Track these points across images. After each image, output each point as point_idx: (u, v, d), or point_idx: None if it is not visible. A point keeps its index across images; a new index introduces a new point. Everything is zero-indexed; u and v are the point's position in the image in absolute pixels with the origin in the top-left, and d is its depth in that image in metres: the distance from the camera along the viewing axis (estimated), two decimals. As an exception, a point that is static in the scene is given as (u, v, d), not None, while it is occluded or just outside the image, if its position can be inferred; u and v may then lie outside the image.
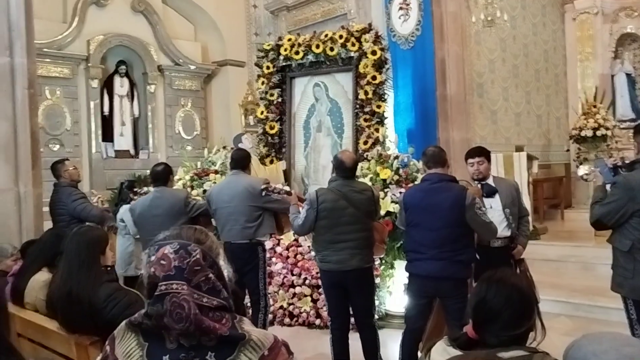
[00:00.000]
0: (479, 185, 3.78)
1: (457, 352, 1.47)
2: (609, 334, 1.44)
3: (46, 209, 4.90)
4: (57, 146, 8.30)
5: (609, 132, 8.77)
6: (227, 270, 1.44)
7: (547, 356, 1.47)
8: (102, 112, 8.94)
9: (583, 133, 8.82)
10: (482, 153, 3.89)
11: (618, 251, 3.03)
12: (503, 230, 3.60)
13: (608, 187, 3.18)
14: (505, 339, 1.50)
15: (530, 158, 7.53)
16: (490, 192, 3.69)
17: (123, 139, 9.27)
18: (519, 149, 7.92)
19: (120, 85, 9.22)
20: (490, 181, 3.85)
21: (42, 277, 2.82)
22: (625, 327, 3.13)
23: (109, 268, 3.90)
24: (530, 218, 6.85)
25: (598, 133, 8.74)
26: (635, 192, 2.87)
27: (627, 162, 3.25)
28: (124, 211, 5.30)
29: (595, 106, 9.00)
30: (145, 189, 6.34)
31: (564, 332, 4.62)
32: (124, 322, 1.43)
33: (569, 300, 5.34)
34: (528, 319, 1.56)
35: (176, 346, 1.33)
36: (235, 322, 1.36)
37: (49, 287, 2.58)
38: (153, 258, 1.37)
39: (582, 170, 5.13)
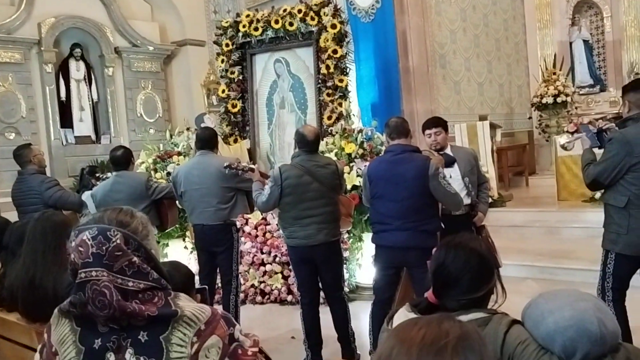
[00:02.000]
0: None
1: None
2: (564, 291, 1.46)
3: (3, 200, 4.71)
4: (13, 134, 8.02)
5: (569, 99, 8.94)
6: (155, 252, 1.40)
7: (505, 316, 1.49)
8: (58, 97, 8.65)
9: (544, 100, 8.97)
10: (439, 123, 3.90)
11: (612, 208, 3.05)
12: (463, 198, 3.64)
13: (595, 150, 3.23)
14: (465, 303, 1.51)
15: (493, 127, 7.63)
16: (449, 162, 3.72)
17: (83, 125, 9.01)
18: (483, 118, 8.02)
19: (77, 69, 8.93)
20: (448, 151, 3.87)
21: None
22: (590, 287, 3.20)
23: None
24: (494, 185, 7.02)
25: (558, 100, 8.90)
26: (632, 146, 2.91)
27: (614, 122, 3.29)
28: (86, 197, 5.15)
29: (555, 73, 9.14)
30: (108, 174, 6.21)
31: (530, 294, 4.66)
32: (56, 309, 1.39)
33: (534, 263, 5.47)
34: (487, 283, 1.57)
35: (107, 329, 1.30)
36: (170, 298, 1.33)
37: (6, 277, 2.50)
38: (73, 244, 1.33)
39: (563, 139, 5.22)
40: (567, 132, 6.92)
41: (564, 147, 5.50)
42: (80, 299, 1.28)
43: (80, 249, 1.30)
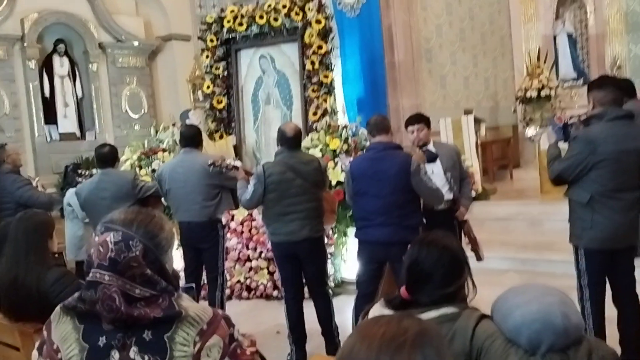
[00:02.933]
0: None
1: (392, 313, 1.52)
2: (532, 285, 1.51)
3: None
4: (-3, 131, 7.96)
5: (552, 92, 9.02)
6: (170, 265, 1.43)
7: (475, 311, 1.54)
8: (42, 93, 8.57)
9: (528, 94, 9.04)
10: (421, 119, 3.95)
11: (576, 204, 3.11)
12: (446, 193, 3.69)
13: (560, 144, 3.28)
14: (437, 298, 1.55)
15: (477, 121, 7.69)
16: (431, 158, 3.77)
17: (67, 121, 8.94)
18: (468, 112, 8.07)
19: (60, 65, 8.85)
20: (430, 147, 3.92)
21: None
22: (570, 278, 3.28)
23: (56, 255, 3.81)
24: (478, 178, 7.08)
25: (542, 93, 8.97)
26: (595, 146, 2.95)
27: (578, 119, 3.34)
28: (70, 195, 5.15)
29: (539, 67, 9.21)
30: (93, 171, 6.19)
31: (511, 286, 4.81)
32: (58, 306, 1.42)
33: (517, 255, 5.55)
34: (458, 278, 1.62)
35: (112, 327, 1.33)
36: (173, 299, 1.36)
37: None
38: (96, 239, 1.36)
39: (530, 132, 5.29)
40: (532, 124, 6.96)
41: (531, 140, 5.58)
42: (91, 296, 1.31)
43: (101, 249, 1.33)
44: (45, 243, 2.47)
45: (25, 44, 8.23)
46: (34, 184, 4.91)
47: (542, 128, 5.78)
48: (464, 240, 3.93)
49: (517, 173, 9.21)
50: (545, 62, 9.31)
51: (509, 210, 6.88)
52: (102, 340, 1.33)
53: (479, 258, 3.85)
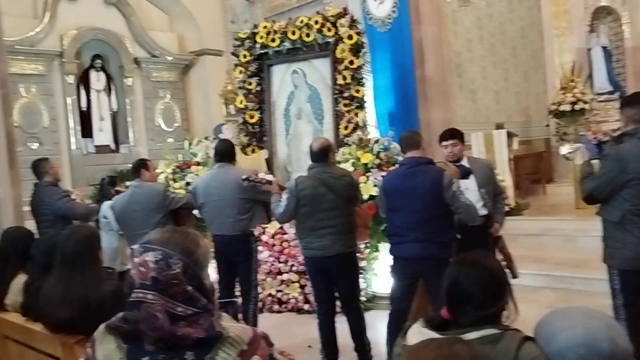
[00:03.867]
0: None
1: (432, 333, 1.51)
2: (576, 308, 1.48)
3: (26, 208, 4.86)
4: (36, 144, 8.20)
5: (587, 106, 8.85)
6: (210, 279, 1.45)
7: (518, 333, 1.52)
8: (79, 107, 8.84)
9: (562, 108, 8.90)
10: (455, 135, 3.93)
11: (608, 223, 3.06)
12: (480, 209, 3.65)
13: (593, 162, 3.23)
14: (478, 319, 1.54)
15: (510, 135, 7.60)
16: (465, 173, 3.73)
17: (103, 134, 9.18)
18: (499, 126, 7.99)
19: (97, 80, 9.11)
20: (464, 162, 3.89)
21: (20, 280, 2.81)
22: (607, 297, 3.21)
23: (109, 269, 3.90)
24: (510, 193, 6.99)
25: (576, 107, 8.81)
26: (626, 163, 2.90)
27: (612, 136, 3.28)
28: (106, 208, 5.26)
29: (572, 80, 9.07)
30: (127, 183, 6.31)
31: (546, 304, 4.70)
32: (102, 326, 1.44)
33: (551, 273, 5.43)
34: (500, 299, 1.60)
35: (155, 348, 1.35)
36: (213, 319, 1.38)
37: (38, 290, 2.55)
38: (136, 260, 1.38)
39: (565, 149, 5.22)
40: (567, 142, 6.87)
41: (565, 158, 5.50)
42: (135, 316, 1.34)
43: (142, 269, 1.35)
44: (97, 256, 2.52)
45: (64, 60, 8.49)
46: (72, 196, 5.02)
47: (575, 144, 5.68)
48: (498, 257, 3.87)
49: (550, 188, 9.04)
50: (579, 75, 9.17)
51: (543, 226, 6.76)
52: None
53: (513, 275, 3.79)
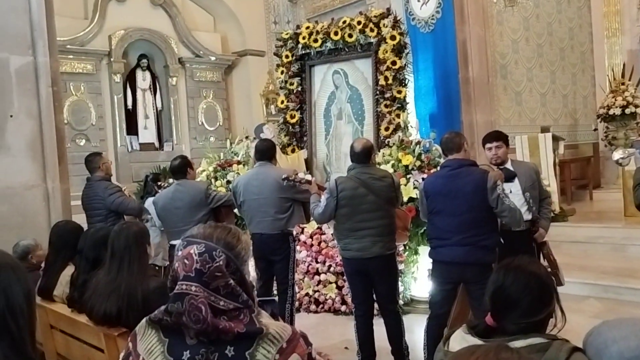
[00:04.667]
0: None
1: (476, 340, 1.47)
2: (629, 319, 1.41)
3: (74, 203, 4.99)
4: (84, 141, 8.46)
5: (638, 110, 8.55)
6: (250, 276, 1.46)
7: (566, 343, 1.46)
8: (125, 106, 9.07)
9: (611, 111, 8.62)
10: (499, 137, 3.84)
11: None
12: (524, 214, 3.56)
13: None
14: (524, 326, 1.49)
15: (555, 139, 7.39)
16: (509, 177, 3.65)
17: (147, 132, 9.39)
18: (545, 129, 7.78)
19: (143, 79, 9.33)
20: (508, 165, 3.80)
21: (68, 272, 2.90)
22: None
23: (157, 267, 3.96)
24: (555, 199, 6.79)
25: (627, 111, 8.53)
26: None
27: None
28: (148, 204, 5.38)
29: (623, 83, 8.77)
30: (170, 180, 6.42)
31: (592, 314, 4.56)
32: (144, 319, 1.46)
33: (598, 282, 5.25)
34: (547, 306, 1.54)
35: (196, 342, 1.36)
36: (254, 316, 1.39)
37: (86, 285, 2.61)
38: (180, 253, 1.41)
39: (617, 154, 5.00)
40: (620, 147, 6.61)
41: (618, 163, 5.28)
42: (177, 308, 1.35)
43: (186, 261, 1.38)
44: (145, 252, 2.58)
45: (111, 59, 8.73)
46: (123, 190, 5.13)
47: (628, 149, 5.43)
48: (543, 263, 3.76)
49: (597, 194, 8.76)
50: (630, 78, 8.85)
51: (589, 233, 6.55)
52: (187, 355, 1.36)
53: (559, 282, 3.67)
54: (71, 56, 8.32)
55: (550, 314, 1.56)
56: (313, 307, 5.34)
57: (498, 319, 1.53)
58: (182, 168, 4.41)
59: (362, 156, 3.65)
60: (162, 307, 1.40)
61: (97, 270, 2.61)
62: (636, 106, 8.50)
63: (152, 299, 2.35)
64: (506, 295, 1.54)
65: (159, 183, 5.95)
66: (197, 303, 1.33)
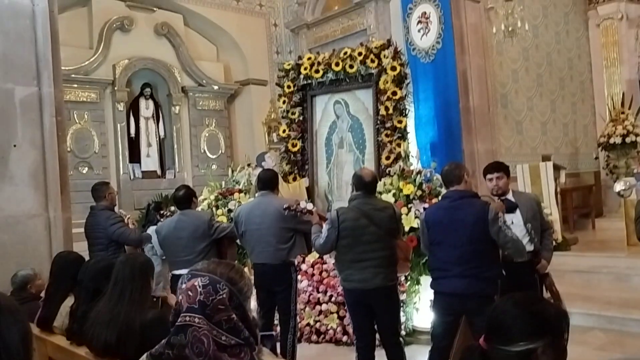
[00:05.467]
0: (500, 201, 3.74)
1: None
2: None
3: (76, 230, 4.99)
4: (86, 169, 8.49)
5: (638, 139, 8.59)
6: (253, 314, 1.47)
7: None
8: (128, 134, 9.13)
9: (612, 140, 8.67)
10: (500, 168, 3.86)
11: None
12: (526, 245, 3.55)
13: None
14: (508, 355, 1.47)
15: (557, 167, 7.41)
16: (510, 208, 3.65)
17: (150, 160, 9.43)
18: (546, 158, 7.81)
19: (146, 107, 9.41)
20: (510, 196, 3.80)
21: (69, 303, 2.88)
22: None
23: (154, 299, 3.95)
24: (557, 227, 6.77)
25: (627, 140, 8.57)
26: None
27: None
28: (151, 232, 5.37)
29: (623, 112, 8.84)
30: (172, 209, 6.42)
31: (597, 346, 4.50)
32: (145, 355, 1.45)
33: (602, 313, 5.19)
34: (537, 339, 1.50)
35: None
36: (255, 354, 1.38)
37: (85, 314, 2.60)
38: (183, 286, 1.41)
39: (619, 186, 5.03)
40: (621, 178, 6.64)
41: (620, 195, 5.30)
42: (180, 341, 1.35)
43: (190, 293, 1.38)
44: (148, 284, 2.58)
45: (115, 88, 8.83)
46: (125, 220, 5.14)
47: (630, 180, 5.46)
48: (546, 295, 3.74)
49: (599, 222, 8.73)
50: (630, 107, 8.92)
51: (593, 263, 6.51)
52: None
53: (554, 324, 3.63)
54: (75, 85, 8.42)
55: (543, 350, 1.52)
56: (314, 337, 5.28)
57: (488, 341, 1.52)
58: (187, 198, 4.43)
59: (371, 186, 3.67)
60: (164, 341, 1.40)
61: (97, 301, 2.60)
62: (636, 135, 8.56)
63: (151, 329, 2.34)
64: (499, 319, 1.52)
65: (161, 212, 5.97)
66: (200, 335, 1.33)
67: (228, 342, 1.35)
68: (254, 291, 4.23)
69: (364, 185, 3.65)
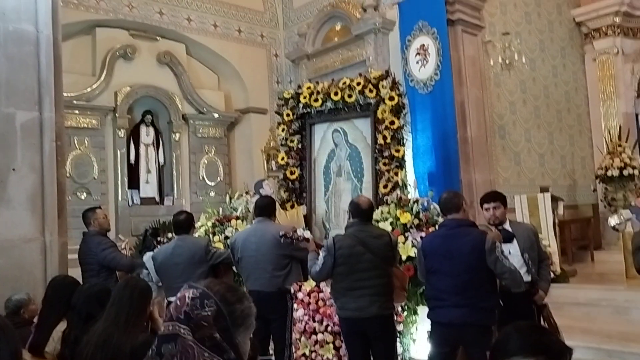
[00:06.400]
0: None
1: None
2: None
3: (71, 256, 4.97)
4: (85, 194, 8.48)
5: (636, 172, 8.63)
6: (244, 348, 1.38)
7: None
8: (128, 160, 9.15)
9: (609, 173, 8.70)
10: (497, 198, 3.87)
11: None
12: (523, 275, 3.53)
13: None
14: None
15: (555, 199, 7.43)
16: (507, 238, 3.65)
17: (148, 186, 9.42)
18: (544, 189, 7.83)
19: (146, 134, 9.45)
20: (507, 226, 3.81)
21: (62, 327, 2.86)
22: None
23: (145, 323, 3.91)
24: (556, 259, 6.74)
25: (625, 172, 8.61)
26: None
27: None
28: (147, 259, 5.35)
29: (620, 145, 8.90)
30: (170, 235, 6.41)
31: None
32: None
33: (602, 346, 5.13)
34: (533, 355, 1.49)
35: None
36: None
37: (77, 341, 2.58)
38: (178, 294, 1.39)
39: (613, 220, 5.04)
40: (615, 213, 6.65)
41: (614, 229, 5.30)
42: (171, 350, 1.31)
43: (178, 302, 1.36)
44: (145, 310, 2.57)
45: (116, 115, 8.88)
46: (122, 245, 5.13)
47: (624, 213, 5.46)
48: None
49: (598, 255, 8.70)
50: (627, 140, 8.98)
51: (591, 295, 6.46)
52: None
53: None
54: (77, 111, 8.47)
55: None
56: (310, 367, 5.20)
57: None
58: (187, 223, 4.44)
59: (367, 214, 3.68)
60: (154, 347, 1.35)
61: (90, 325, 2.58)
62: (633, 168, 8.59)
63: (139, 352, 2.32)
64: (499, 341, 1.51)
65: (158, 238, 5.95)
66: (186, 345, 1.29)
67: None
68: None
69: (360, 213, 3.65)
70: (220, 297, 1.36)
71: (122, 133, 9.02)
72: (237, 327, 1.37)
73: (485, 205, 3.86)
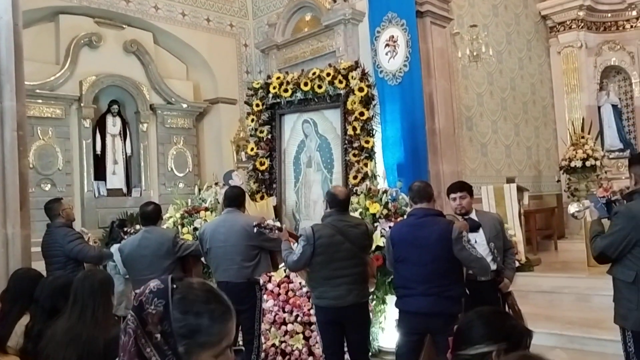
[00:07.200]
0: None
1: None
2: None
3: (36, 249, 4.86)
4: (49, 186, 8.27)
5: (598, 162, 8.86)
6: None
7: None
8: (94, 151, 8.95)
9: (573, 164, 8.91)
10: (463, 188, 3.93)
11: (621, 282, 3.01)
12: (489, 264, 3.60)
13: (604, 221, 3.20)
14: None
15: (520, 189, 7.58)
16: (473, 227, 3.71)
17: (115, 178, 9.24)
18: (510, 180, 7.99)
19: (113, 125, 9.25)
20: (473, 215, 3.87)
21: (25, 321, 2.79)
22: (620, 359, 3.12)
23: (116, 317, 3.86)
24: (521, 248, 6.90)
25: (587, 163, 8.83)
26: (638, 220, 2.88)
27: (622, 194, 3.27)
28: (114, 250, 5.26)
29: (583, 137, 9.12)
30: (137, 227, 6.31)
31: (559, 365, 4.58)
32: None
33: (564, 332, 5.29)
34: (492, 342, 1.52)
35: None
36: None
37: (41, 335, 2.52)
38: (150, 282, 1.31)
39: (573, 208, 5.13)
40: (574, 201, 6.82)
41: (574, 217, 5.45)
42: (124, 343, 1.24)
43: (141, 289, 1.26)
44: (109, 301, 2.52)
45: (81, 104, 8.67)
46: (85, 238, 5.02)
47: (584, 202, 5.58)
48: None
49: (562, 244, 8.94)
50: (589, 132, 9.22)
51: (555, 283, 6.64)
52: None
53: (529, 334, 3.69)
54: (40, 101, 8.23)
55: (497, 354, 1.54)
56: (279, 358, 5.22)
57: (453, 351, 1.54)
58: (155, 214, 4.37)
59: (344, 204, 3.70)
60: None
61: (55, 319, 2.52)
62: (596, 159, 8.82)
63: (113, 347, 2.28)
64: (462, 327, 1.55)
65: (125, 229, 5.86)
66: (127, 328, 1.22)
67: (149, 357, 1.21)
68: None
69: (338, 203, 3.67)
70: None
71: (87, 123, 8.80)
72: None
73: (452, 195, 3.91)
